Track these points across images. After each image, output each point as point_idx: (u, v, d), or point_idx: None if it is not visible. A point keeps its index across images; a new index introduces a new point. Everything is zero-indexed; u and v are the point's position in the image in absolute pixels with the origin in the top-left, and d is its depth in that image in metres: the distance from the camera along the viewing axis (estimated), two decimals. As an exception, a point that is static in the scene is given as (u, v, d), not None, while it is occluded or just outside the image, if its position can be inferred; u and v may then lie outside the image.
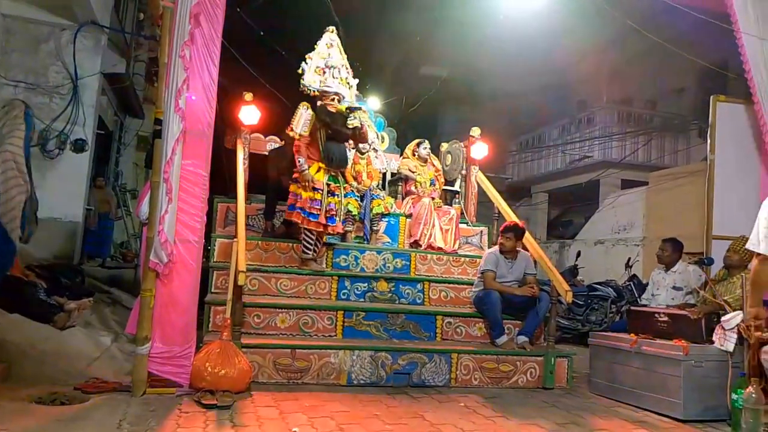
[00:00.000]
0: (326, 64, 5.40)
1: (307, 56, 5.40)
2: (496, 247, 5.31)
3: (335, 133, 5.19)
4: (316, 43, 5.50)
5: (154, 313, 3.68)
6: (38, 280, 5.05)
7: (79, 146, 7.21)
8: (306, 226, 5.04)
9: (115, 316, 5.77)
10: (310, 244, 5.16)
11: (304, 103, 5.80)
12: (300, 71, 5.33)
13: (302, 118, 5.88)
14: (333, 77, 5.37)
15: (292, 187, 5.16)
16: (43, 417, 3.06)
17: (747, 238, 4.53)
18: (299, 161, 5.09)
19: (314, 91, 5.31)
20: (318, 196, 5.04)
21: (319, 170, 5.13)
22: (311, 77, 5.33)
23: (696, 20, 5.74)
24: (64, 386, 3.59)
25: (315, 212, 5.01)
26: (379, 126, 6.99)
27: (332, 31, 5.51)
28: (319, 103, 5.32)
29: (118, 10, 8.85)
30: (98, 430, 2.95)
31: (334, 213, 5.16)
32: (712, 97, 5.62)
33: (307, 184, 5.02)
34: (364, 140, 5.74)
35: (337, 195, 5.21)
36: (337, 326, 4.72)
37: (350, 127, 5.20)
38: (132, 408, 3.34)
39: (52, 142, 7.06)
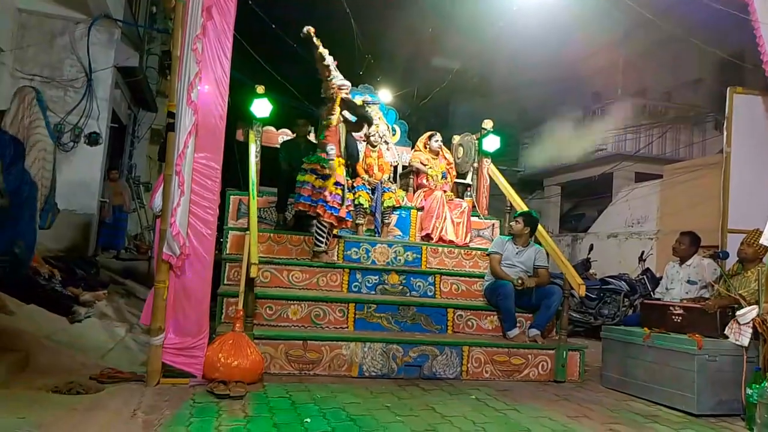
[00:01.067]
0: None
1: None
2: (506, 236, 5.36)
3: (358, 123, 5.26)
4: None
5: (167, 305, 3.72)
6: (54, 272, 5.13)
7: (93, 139, 7.28)
8: (327, 219, 5.05)
9: (129, 307, 5.85)
10: (323, 237, 5.17)
11: None
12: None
13: None
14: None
15: (307, 177, 5.12)
16: (59, 406, 3.10)
17: (761, 232, 4.48)
18: (329, 148, 5.09)
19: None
20: (340, 191, 5.07)
21: (339, 165, 5.17)
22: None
23: (713, 10, 5.65)
24: (79, 376, 3.64)
25: (336, 206, 5.06)
26: (390, 118, 6.97)
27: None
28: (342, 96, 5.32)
29: (132, 4, 8.91)
30: (113, 419, 2.99)
31: (351, 208, 5.23)
32: (728, 88, 5.52)
33: (330, 172, 5.04)
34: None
35: (350, 191, 5.27)
36: (349, 318, 4.74)
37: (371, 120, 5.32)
38: (146, 398, 3.38)
39: (67, 135, 7.14)
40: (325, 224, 5.12)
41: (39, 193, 4.11)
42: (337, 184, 5.07)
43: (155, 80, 11.12)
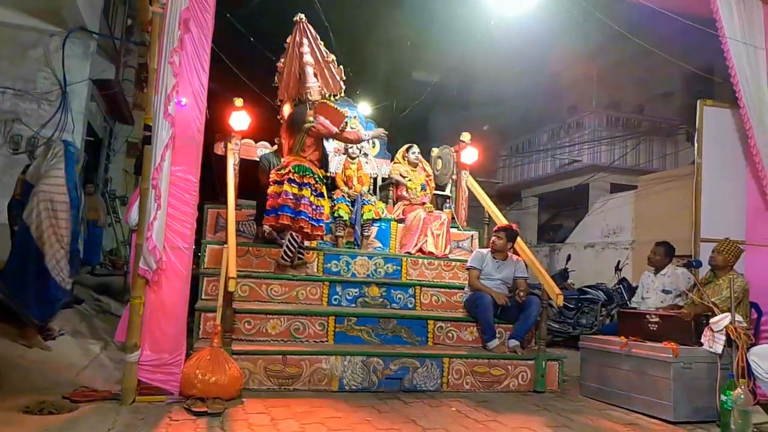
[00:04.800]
0: (310, 63, 5.46)
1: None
2: (485, 249, 5.38)
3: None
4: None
5: (143, 321, 3.65)
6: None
7: (67, 153, 7.15)
8: (310, 232, 4.98)
9: (104, 323, 5.73)
10: (292, 252, 5.09)
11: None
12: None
13: None
14: None
15: (288, 188, 4.91)
16: (31, 427, 3.02)
17: (730, 240, 4.60)
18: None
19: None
20: (323, 203, 5.05)
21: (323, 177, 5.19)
22: None
23: (682, 25, 5.80)
24: (52, 395, 3.55)
25: (318, 217, 5.02)
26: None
27: None
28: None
29: (108, 16, 8.82)
30: (87, 439, 2.92)
31: (328, 219, 5.23)
32: (698, 101, 5.67)
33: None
34: None
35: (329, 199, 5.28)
36: (329, 332, 4.71)
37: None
38: (121, 416, 3.31)
39: (40, 149, 7.01)
40: (296, 238, 5.06)
41: (48, 246, 4.17)
42: (320, 195, 5.06)
43: (132, 93, 11.00)
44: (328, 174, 5.92)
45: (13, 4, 6.89)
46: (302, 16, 5.04)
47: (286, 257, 5.08)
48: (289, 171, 4.94)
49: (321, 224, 5.07)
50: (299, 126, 5.04)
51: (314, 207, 4.98)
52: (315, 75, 5.15)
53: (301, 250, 5.22)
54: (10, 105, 6.97)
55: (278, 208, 4.90)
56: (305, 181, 4.95)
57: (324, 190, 5.14)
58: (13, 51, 7.05)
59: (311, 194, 4.95)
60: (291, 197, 4.90)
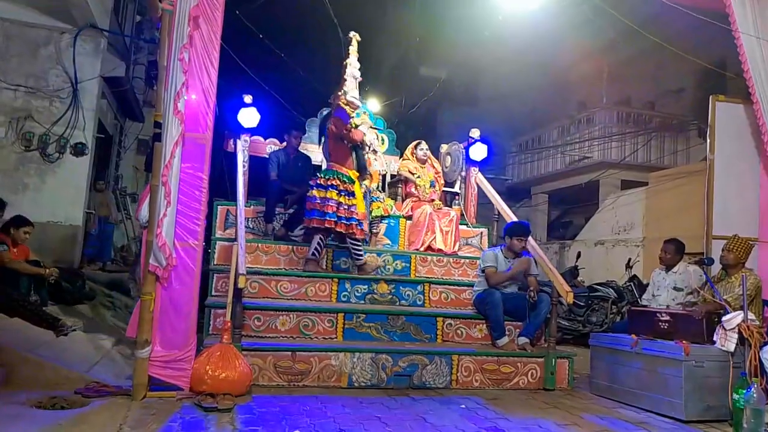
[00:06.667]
0: (353, 75, 5.57)
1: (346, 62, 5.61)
2: (495, 247, 5.36)
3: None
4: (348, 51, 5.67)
5: (154, 317, 3.68)
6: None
7: (79, 150, 7.23)
8: (344, 231, 5.06)
9: (115, 319, 5.78)
10: (322, 247, 5.22)
11: None
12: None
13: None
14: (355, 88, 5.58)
15: (316, 192, 5.07)
16: (43, 421, 3.05)
17: (739, 237, 4.55)
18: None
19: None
20: (354, 201, 5.10)
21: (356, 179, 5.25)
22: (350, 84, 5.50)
23: (694, 20, 5.74)
24: (64, 390, 3.59)
25: (349, 216, 5.06)
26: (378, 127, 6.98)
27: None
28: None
29: (118, 14, 8.88)
30: (99, 434, 2.95)
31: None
32: (711, 96, 5.61)
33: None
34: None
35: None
36: (338, 328, 4.72)
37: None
38: (132, 412, 3.34)
39: (52, 146, 7.09)
40: (325, 240, 5.17)
41: None
42: (351, 194, 5.12)
43: (142, 90, 11.07)
44: (367, 176, 5.71)
45: (24, 2, 6.95)
46: (353, 33, 5.20)
47: (317, 251, 5.20)
48: (318, 176, 5.15)
49: (353, 222, 5.09)
50: (323, 132, 5.21)
51: (345, 207, 5.05)
52: (342, 82, 5.33)
53: (318, 249, 5.24)
54: (22, 102, 7.04)
55: (308, 212, 5.09)
56: (330, 183, 5.08)
57: (355, 188, 5.16)
58: (24, 49, 7.11)
59: (337, 195, 5.05)
60: (318, 201, 5.06)
